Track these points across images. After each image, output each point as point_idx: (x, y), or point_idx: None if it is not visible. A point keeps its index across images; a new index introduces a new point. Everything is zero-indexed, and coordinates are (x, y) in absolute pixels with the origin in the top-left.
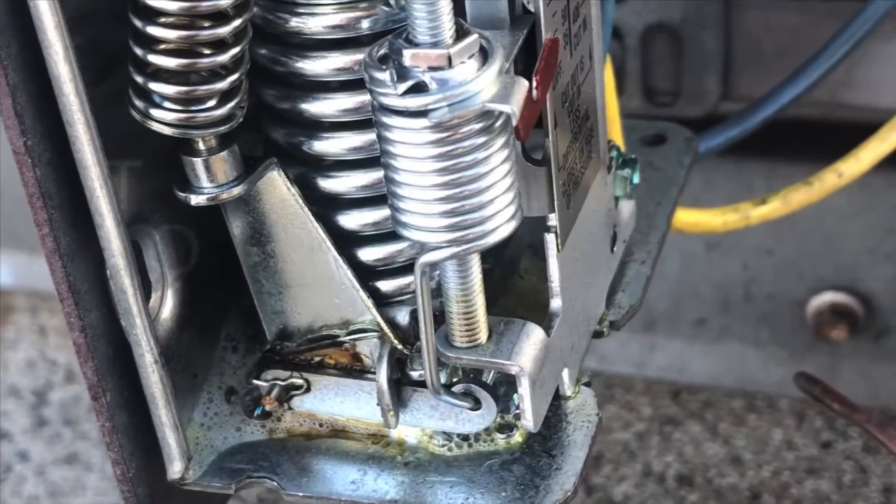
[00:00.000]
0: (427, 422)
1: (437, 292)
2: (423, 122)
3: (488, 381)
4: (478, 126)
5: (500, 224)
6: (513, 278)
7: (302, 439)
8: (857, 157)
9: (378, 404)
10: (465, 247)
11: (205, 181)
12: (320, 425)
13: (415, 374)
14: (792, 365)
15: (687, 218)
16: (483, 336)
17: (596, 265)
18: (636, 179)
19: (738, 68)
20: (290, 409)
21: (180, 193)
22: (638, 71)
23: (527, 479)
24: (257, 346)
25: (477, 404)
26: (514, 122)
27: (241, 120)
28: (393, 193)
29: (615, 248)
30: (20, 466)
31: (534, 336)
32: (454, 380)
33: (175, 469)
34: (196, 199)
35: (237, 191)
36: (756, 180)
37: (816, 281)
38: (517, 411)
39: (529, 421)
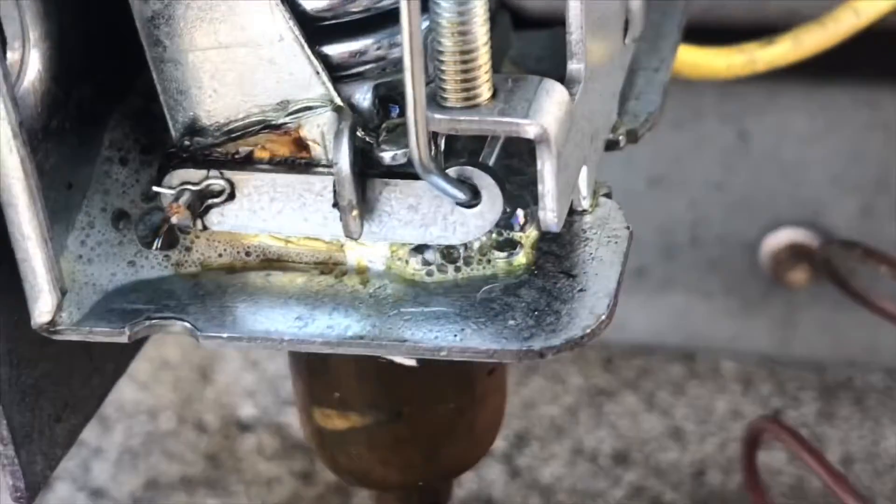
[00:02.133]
0: (402, 231)
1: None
2: None
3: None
4: None
5: None
6: None
7: (222, 274)
8: None
9: (335, 205)
10: None
11: None
12: (247, 254)
13: (386, 157)
14: (743, 318)
15: (687, 57)
16: (486, 92)
17: (611, 46)
18: None
19: None
20: (204, 229)
21: None
22: None
23: (542, 304)
24: (154, 159)
25: (475, 197)
26: None
27: None
28: None
29: (627, 40)
30: None
31: (556, 94)
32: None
33: (42, 308)
34: None
35: None
36: (706, 102)
37: (772, 217)
38: (520, 231)
39: (553, 212)
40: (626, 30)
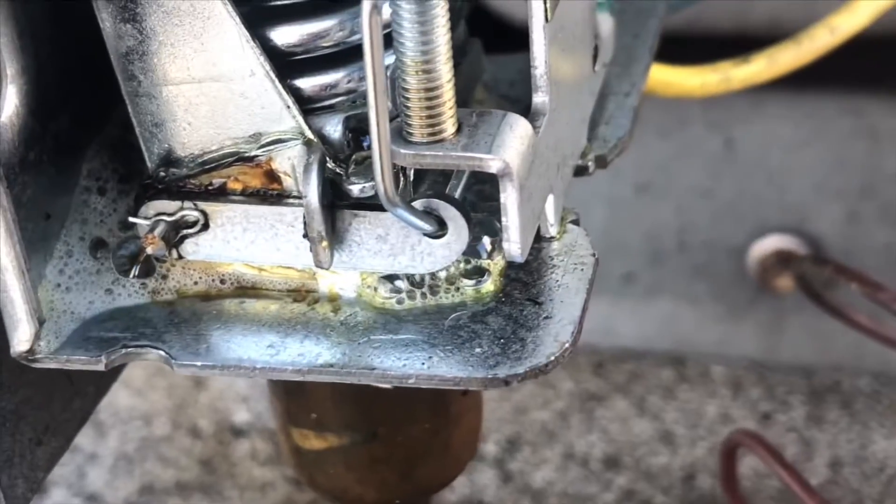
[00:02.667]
0: (372, 261)
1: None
2: None
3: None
4: None
5: None
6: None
7: (197, 301)
8: (853, 10)
9: (305, 236)
10: None
11: None
12: (221, 281)
13: (355, 189)
14: (731, 323)
15: (660, 75)
16: (450, 127)
17: (579, 74)
18: None
19: None
20: (179, 258)
21: None
22: None
23: (508, 332)
24: (131, 188)
25: (441, 228)
26: None
27: None
28: None
29: (596, 67)
30: None
31: (519, 128)
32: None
33: (22, 336)
34: None
35: None
36: (692, 109)
37: (759, 224)
38: (487, 258)
39: (516, 243)
40: (595, 56)
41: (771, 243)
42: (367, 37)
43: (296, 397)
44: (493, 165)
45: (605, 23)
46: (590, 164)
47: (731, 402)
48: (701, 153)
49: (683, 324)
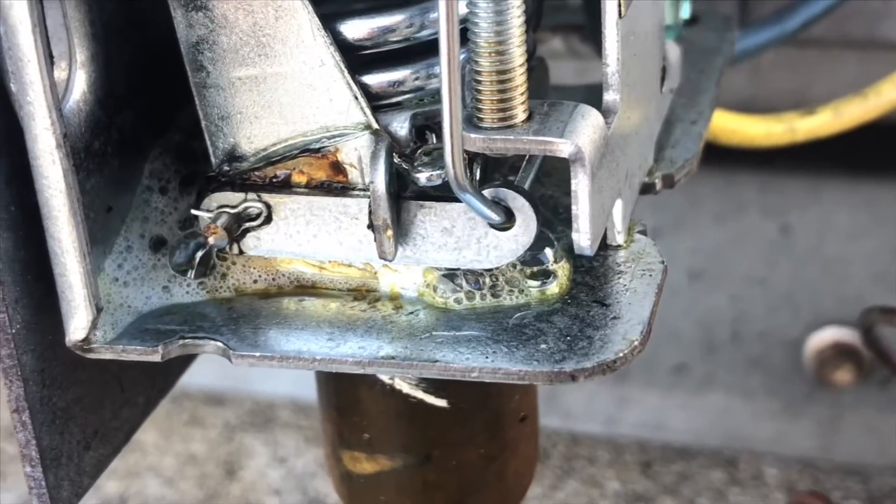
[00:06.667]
0: (436, 255)
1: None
2: None
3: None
4: None
5: None
6: None
7: (255, 298)
8: None
9: (370, 226)
10: None
11: None
12: (281, 280)
13: (422, 177)
14: (786, 419)
15: (725, 122)
16: (521, 114)
17: (648, 90)
18: (686, 12)
19: None
20: (241, 253)
21: None
22: None
23: (574, 330)
24: (193, 189)
25: (509, 220)
26: None
27: None
28: None
29: (664, 89)
30: None
31: (591, 118)
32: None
33: (78, 325)
34: None
35: None
36: (747, 195)
37: (816, 315)
38: (553, 264)
39: (586, 234)
40: (662, 78)
41: (829, 335)
42: (444, 9)
43: (349, 416)
44: (565, 149)
45: (673, 49)
46: (656, 181)
47: None
48: (756, 240)
49: (736, 419)
